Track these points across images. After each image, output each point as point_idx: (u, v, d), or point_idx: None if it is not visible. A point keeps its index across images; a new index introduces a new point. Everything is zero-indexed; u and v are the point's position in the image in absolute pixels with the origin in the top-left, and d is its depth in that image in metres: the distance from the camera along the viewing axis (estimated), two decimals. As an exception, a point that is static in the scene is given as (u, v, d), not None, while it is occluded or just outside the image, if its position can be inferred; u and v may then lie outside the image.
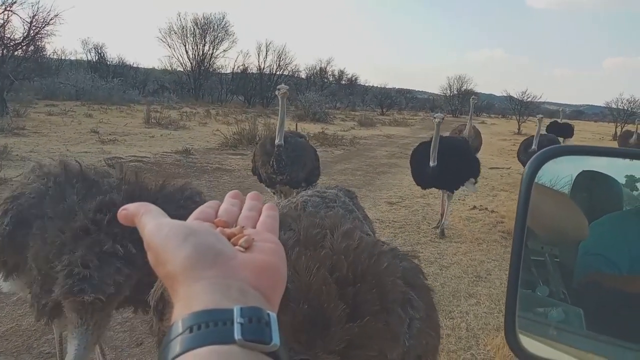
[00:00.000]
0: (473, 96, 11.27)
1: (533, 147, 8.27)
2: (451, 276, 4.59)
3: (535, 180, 0.75)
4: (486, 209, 7.30)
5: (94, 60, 34.90)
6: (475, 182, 6.27)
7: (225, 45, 37.19)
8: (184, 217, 0.52)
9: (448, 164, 5.54)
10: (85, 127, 13.46)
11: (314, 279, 1.19)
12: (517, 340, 0.67)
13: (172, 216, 0.49)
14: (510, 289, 0.67)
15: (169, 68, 37.23)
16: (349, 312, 1.16)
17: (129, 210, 0.51)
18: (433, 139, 5.55)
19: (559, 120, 15.71)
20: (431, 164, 5.53)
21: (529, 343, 0.68)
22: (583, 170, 0.88)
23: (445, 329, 3.45)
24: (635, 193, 0.86)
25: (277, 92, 5.42)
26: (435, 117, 5.62)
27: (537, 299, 0.76)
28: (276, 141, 5.17)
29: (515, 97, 35.16)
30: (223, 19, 36.81)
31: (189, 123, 17.47)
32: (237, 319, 0.39)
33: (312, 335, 1.16)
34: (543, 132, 9.06)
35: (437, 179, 5.65)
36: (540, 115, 8.57)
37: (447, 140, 6.09)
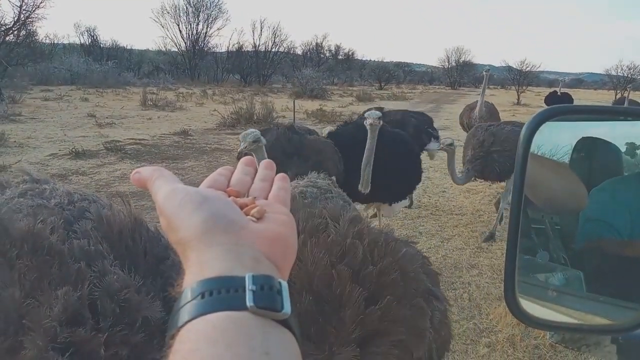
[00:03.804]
0: (487, 68, 8.94)
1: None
2: (453, 248, 4.63)
3: (534, 150, 0.75)
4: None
5: (87, 43, 34.45)
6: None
7: (219, 23, 36.89)
8: None
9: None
10: (81, 112, 13.36)
11: (318, 265, 1.10)
12: (517, 303, 0.68)
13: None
14: (509, 252, 0.68)
15: (163, 49, 36.82)
16: (367, 295, 1.07)
17: (142, 175, 0.51)
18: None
19: (557, 91, 15.34)
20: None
21: (529, 306, 0.69)
22: (583, 137, 0.88)
23: (448, 300, 3.49)
24: (635, 159, 0.86)
25: (365, 122, 3.56)
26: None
27: (538, 263, 0.77)
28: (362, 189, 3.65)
29: (514, 67, 34.82)
30: (216, -4, 36.18)
31: (186, 104, 17.34)
32: (249, 286, 0.39)
33: (321, 325, 1.06)
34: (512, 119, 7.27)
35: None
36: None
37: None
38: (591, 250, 0.81)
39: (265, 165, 0.58)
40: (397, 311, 1.09)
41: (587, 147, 0.86)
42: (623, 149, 0.86)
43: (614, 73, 35.69)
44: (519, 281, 0.69)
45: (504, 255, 0.71)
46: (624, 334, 0.82)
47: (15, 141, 8.55)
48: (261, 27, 38.13)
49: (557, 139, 0.83)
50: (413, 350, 1.11)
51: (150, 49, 39.18)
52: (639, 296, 0.70)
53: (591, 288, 0.74)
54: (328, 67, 42.98)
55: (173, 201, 0.47)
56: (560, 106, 0.79)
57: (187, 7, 35.71)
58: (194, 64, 35.38)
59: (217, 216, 0.45)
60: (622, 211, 0.83)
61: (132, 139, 9.64)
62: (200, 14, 36.06)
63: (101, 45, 34.47)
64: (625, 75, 34.57)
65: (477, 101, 7.80)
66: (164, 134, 10.55)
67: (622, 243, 0.79)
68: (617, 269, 0.78)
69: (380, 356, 1.06)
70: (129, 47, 36.08)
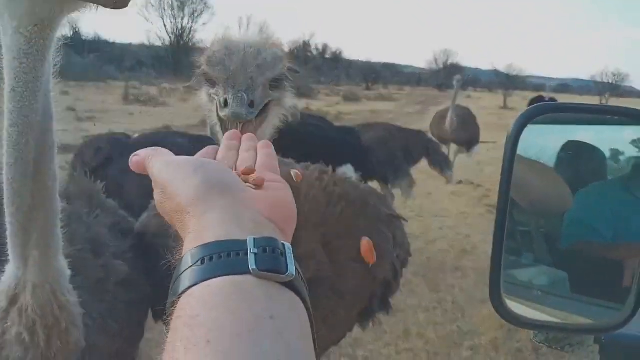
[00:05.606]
0: (457, 76, 8.13)
1: None
2: (437, 250, 4.64)
3: (521, 152, 0.75)
4: (472, 183, 7.37)
5: (68, 35, 33.70)
6: None
7: (204, 18, 36.34)
8: None
9: None
10: (61, 105, 12.61)
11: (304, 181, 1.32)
12: (502, 303, 0.68)
13: None
14: (494, 253, 0.68)
15: (147, 43, 36.36)
16: (328, 200, 1.30)
17: (140, 156, 0.51)
18: None
19: (544, 96, 15.29)
20: None
21: (514, 306, 0.70)
22: (569, 140, 0.89)
23: (432, 302, 3.52)
24: (618, 164, 0.87)
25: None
26: None
27: (523, 264, 0.78)
28: None
29: (502, 70, 35.32)
30: (202, -10, 35.86)
31: (169, 99, 17.11)
32: (251, 249, 0.38)
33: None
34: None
35: None
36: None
37: None
38: (575, 252, 0.81)
39: (247, 137, 0.58)
40: (354, 221, 1.28)
41: (573, 150, 0.87)
42: (607, 154, 0.87)
43: (599, 79, 36.49)
44: (504, 281, 0.69)
45: (489, 258, 0.71)
46: (607, 334, 0.83)
47: (-7, 133, 8.34)
48: (247, 24, 37.74)
49: (544, 142, 0.83)
50: (376, 274, 1.27)
51: (133, 42, 38.71)
52: (621, 297, 0.71)
53: (575, 289, 0.75)
54: (315, 65, 42.94)
55: (168, 169, 0.46)
56: (548, 103, 0.79)
57: (172, 1, 35.36)
58: (178, 59, 35.00)
59: (215, 179, 0.44)
60: (606, 215, 0.84)
61: (113, 134, 9.50)
62: (186, 8, 35.72)
63: (83, 38, 33.84)
64: (611, 82, 35.36)
65: (448, 107, 7.02)
66: (146, 129, 10.40)
67: (605, 245, 0.80)
68: (600, 270, 0.79)
69: (342, 254, 1.24)
70: (111, 40, 35.60)
